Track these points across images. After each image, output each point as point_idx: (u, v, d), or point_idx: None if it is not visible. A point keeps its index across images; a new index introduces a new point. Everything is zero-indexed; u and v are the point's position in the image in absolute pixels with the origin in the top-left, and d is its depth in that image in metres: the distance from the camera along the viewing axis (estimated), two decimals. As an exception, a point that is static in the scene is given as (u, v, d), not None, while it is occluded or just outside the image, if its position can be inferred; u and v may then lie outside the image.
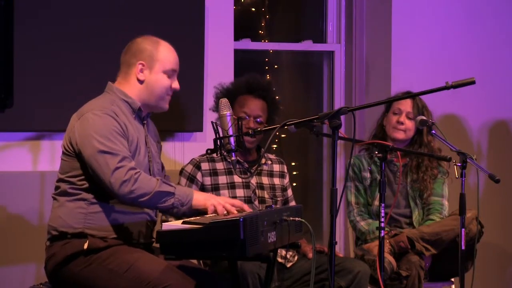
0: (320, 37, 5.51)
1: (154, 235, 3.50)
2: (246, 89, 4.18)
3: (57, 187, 3.45)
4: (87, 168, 3.32)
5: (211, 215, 3.30)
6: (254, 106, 4.15)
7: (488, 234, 4.45)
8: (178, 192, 3.29)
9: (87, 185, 3.36)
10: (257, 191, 4.14)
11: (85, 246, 3.30)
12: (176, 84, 3.53)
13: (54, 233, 3.39)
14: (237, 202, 3.39)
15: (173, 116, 4.75)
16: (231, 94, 4.09)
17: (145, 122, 3.55)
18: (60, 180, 3.43)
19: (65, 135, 3.42)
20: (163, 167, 3.72)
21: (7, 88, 4.24)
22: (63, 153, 3.43)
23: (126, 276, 3.24)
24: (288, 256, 4.05)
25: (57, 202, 3.43)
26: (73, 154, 3.37)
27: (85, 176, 3.36)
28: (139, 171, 3.27)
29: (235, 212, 3.31)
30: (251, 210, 3.41)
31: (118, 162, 3.24)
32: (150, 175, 3.47)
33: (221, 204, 3.32)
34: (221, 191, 4.06)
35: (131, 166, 3.27)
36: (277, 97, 4.32)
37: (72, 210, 3.37)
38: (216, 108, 4.17)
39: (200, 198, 3.33)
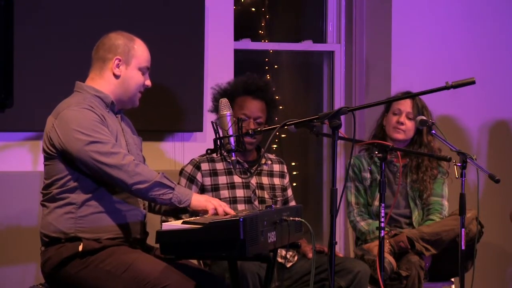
0: (320, 37, 5.51)
1: (147, 228, 3.50)
2: (244, 90, 4.17)
3: (45, 194, 3.41)
4: (74, 166, 3.29)
5: (211, 215, 3.30)
6: (254, 108, 4.15)
7: (488, 234, 4.45)
8: (178, 189, 3.28)
9: (75, 184, 3.33)
10: (257, 191, 4.14)
11: (80, 248, 3.28)
12: (148, 82, 3.52)
13: (46, 240, 3.37)
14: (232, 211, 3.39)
15: (173, 116, 4.76)
16: (229, 95, 4.06)
17: (118, 115, 3.53)
18: (46, 186, 3.39)
19: (44, 138, 3.37)
20: (144, 160, 3.69)
21: (7, 88, 4.25)
22: (45, 158, 3.39)
23: (124, 277, 3.22)
24: (288, 256, 4.05)
25: (47, 209, 3.39)
26: (56, 155, 3.33)
27: (71, 176, 3.32)
28: (136, 160, 3.27)
29: (233, 213, 3.31)
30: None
31: (111, 148, 3.23)
32: None
33: (222, 206, 3.32)
34: (221, 191, 4.06)
35: (126, 152, 3.27)
36: (276, 97, 4.31)
37: (62, 216, 3.33)
38: (214, 109, 4.17)
39: (200, 199, 3.31)
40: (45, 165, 3.40)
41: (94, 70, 3.50)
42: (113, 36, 3.48)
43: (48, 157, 3.37)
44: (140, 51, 3.48)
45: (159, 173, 3.28)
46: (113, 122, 3.43)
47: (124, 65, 3.45)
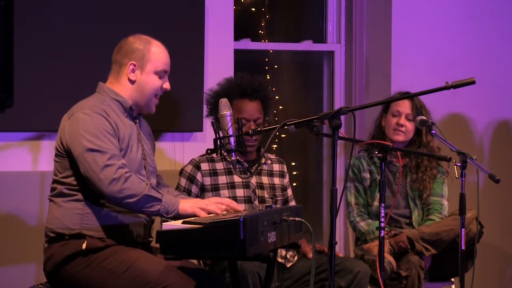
0: (320, 37, 5.51)
1: (153, 234, 3.51)
2: (240, 93, 4.15)
3: (53, 189, 3.43)
4: (78, 167, 3.31)
5: (211, 215, 3.30)
6: (252, 110, 4.14)
7: (488, 234, 4.45)
8: (165, 200, 3.28)
9: (81, 185, 3.35)
10: (257, 190, 4.14)
11: (84, 246, 3.29)
12: (167, 85, 3.51)
13: (51, 235, 3.38)
14: (225, 200, 3.40)
15: (173, 116, 4.76)
16: (223, 97, 4.05)
17: (137, 120, 3.54)
18: (55, 181, 3.42)
19: (57, 136, 3.41)
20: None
21: (7, 88, 4.26)
22: (56, 154, 3.42)
23: (126, 276, 3.23)
24: (288, 256, 4.05)
25: (54, 204, 3.41)
26: (65, 154, 3.36)
27: (78, 176, 3.34)
28: (129, 171, 3.27)
29: (219, 212, 3.31)
30: (240, 209, 3.43)
31: (107, 159, 3.23)
32: (145, 172, 3.47)
33: (208, 204, 3.32)
34: (221, 191, 4.07)
35: (121, 164, 3.26)
36: (272, 94, 4.31)
37: (69, 211, 3.36)
38: (210, 113, 4.17)
39: (186, 206, 3.31)
40: (55, 161, 3.43)
41: (112, 74, 3.51)
42: (130, 40, 3.48)
43: (58, 154, 3.40)
44: (156, 55, 3.47)
45: (147, 184, 3.28)
46: (128, 128, 3.44)
47: (139, 70, 3.45)
